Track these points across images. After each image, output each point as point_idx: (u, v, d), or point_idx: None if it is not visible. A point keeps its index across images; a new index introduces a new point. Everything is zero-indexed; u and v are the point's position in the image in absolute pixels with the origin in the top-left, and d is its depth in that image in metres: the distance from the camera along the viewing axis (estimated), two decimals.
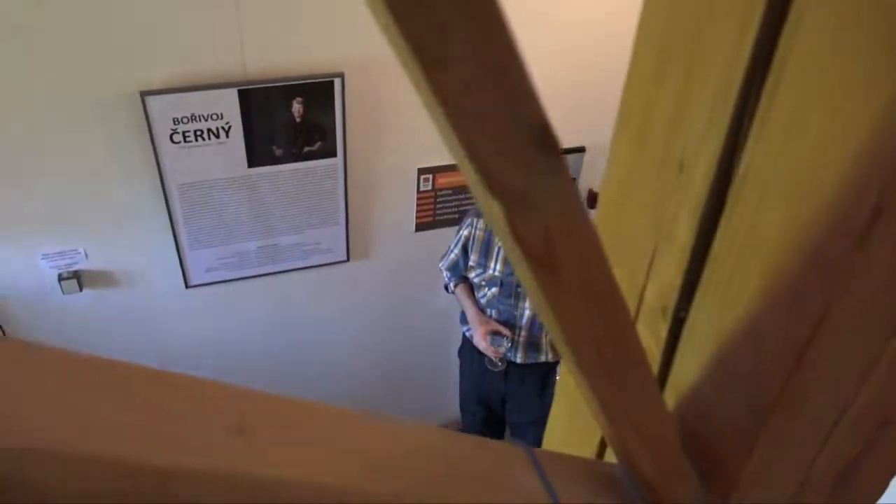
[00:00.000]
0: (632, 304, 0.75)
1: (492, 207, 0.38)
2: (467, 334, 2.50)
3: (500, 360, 2.48)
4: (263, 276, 2.72)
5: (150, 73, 2.19)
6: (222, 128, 2.33)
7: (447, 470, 0.56)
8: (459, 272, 2.50)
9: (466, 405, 2.83)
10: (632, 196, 0.74)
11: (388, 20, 0.29)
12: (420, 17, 0.30)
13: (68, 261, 2.51)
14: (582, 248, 0.44)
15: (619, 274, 0.47)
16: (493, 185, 0.37)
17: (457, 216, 3.06)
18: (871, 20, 0.43)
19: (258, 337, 2.86)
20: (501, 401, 2.70)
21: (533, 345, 2.44)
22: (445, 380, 3.55)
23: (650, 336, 0.73)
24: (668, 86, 0.66)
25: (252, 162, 2.50)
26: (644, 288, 0.74)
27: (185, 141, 2.29)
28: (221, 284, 2.67)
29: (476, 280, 2.35)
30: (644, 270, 0.74)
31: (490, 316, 2.37)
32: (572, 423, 0.92)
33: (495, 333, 2.36)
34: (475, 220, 2.32)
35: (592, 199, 3.24)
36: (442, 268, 2.52)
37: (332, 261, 2.84)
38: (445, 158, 2.82)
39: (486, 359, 2.52)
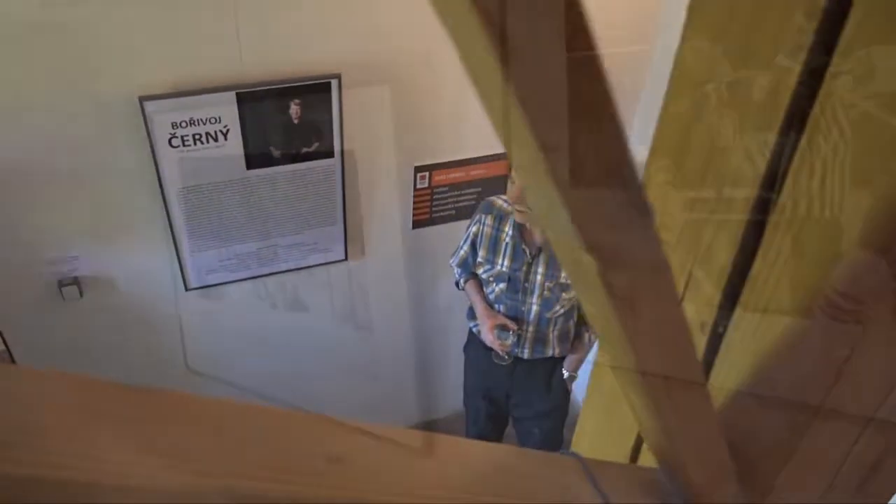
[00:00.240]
0: None
1: (582, 259, 0.42)
2: (474, 330, 2.54)
3: (507, 353, 2.53)
4: (263, 276, 2.73)
5: (149, 77, 2.19)
6: (220, 131, 2.34)
7: (519, 481, 0.61)
8: (469, 268, 2.54)
9: (470, 399, 2.87)
10: (665, 221, 0.79)
11: (512, 103, 0.33)
12: (544, 111, 0.34)
13: (68, 267, 2.51)
14: (659, 289, 0.49)
15: None
16: (591, 243, 0.41)
17: (454, 212, 3.10)
18: None
19: (259, 338, 2.88)
20: (506, 395, 2.76)
21: (539, 340, 2.49)
22: (445, 374, 3.60)
23: None
24: (705, 118, 0.71)
25: (250, 164, 2.51)
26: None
27: (183, 145, 2.30)
28: (221, 286, 2.69)
29: (484, 276, 2.39)
30: (680, 289, 0.78)
31: (498, 311, 2.42)
32: (604, 427, 0.98)
33: (502, 327, 2.40)
34: (483, 216, 2.35)
35: None
36: (452, 264, 2.55)
37: (331, 260, 2.87)
38: (441, 157, 2.86)
39: (493, 353, 2.56)
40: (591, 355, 2.52)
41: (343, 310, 3.11)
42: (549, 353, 2.54)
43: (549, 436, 2.79)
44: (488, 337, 2.39)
